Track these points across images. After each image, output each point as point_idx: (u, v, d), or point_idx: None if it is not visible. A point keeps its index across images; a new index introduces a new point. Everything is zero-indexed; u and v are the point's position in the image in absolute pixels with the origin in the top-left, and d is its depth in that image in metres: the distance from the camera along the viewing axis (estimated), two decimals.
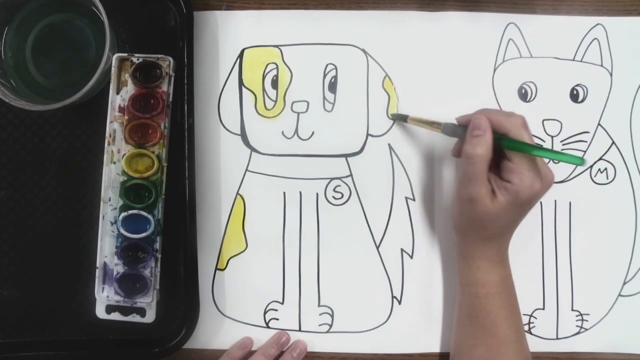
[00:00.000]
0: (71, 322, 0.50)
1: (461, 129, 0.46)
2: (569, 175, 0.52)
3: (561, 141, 0.52)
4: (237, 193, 0.52)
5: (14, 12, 0.47)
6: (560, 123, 0.52)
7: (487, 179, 0.44)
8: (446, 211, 0.52)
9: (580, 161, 0.40)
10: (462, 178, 0.44)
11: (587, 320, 0.52)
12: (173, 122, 0.49)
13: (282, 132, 0.52)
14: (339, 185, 0.52)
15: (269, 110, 0.52)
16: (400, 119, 0.51)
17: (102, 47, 0.44)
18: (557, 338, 0.52)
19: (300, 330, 0.51)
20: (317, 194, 0.52)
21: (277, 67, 0.52)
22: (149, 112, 0.47)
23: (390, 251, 0.51)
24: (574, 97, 0.53)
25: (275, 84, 0.52)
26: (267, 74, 0.52)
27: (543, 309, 0.52)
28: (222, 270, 0.51)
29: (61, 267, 0.50)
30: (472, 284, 0.47)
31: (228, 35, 0.52)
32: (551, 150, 0.48)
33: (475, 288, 0.46)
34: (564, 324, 0.52)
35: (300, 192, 0.52)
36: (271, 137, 0.52)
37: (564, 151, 0.51)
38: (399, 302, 0.51)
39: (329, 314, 0.51)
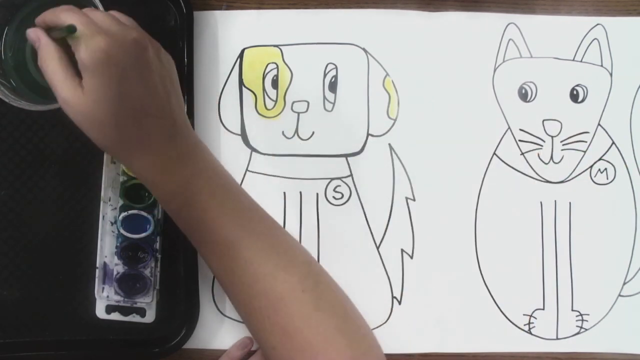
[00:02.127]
0: (71, 322, 0.50)
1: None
2: (569, 176, 0.52)
3: (561, 141, 0.52)
4: None
5: (14, 12, 0.47)
6: (560, 123, 0.52)
7: (75, 75, 0.38)
8: (446, 211, 0.52)
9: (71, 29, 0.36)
10: (48, 80, 0.39)
11: (587, 321, 0.52)
12: None
13: (283, 132, 0.52)
14: (339, 185, 0.52)
15: (269, 110, 0.52)
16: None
17: None
18: (557, 338, 0.52)
19: None
20: (317, 194, 0.52)
21: (277, 67, 0.52)
22: None
23: (390, 251, 0.51)
24: (574, 97, 0.53)
25: (275, 83, 0.52)
26: (267, 73, 0.52)
27: (543, 309, 0.52)
28: None
29: (61, 267, 0.50)
30: (164, 201, 0.41)
31: (228, 35, 0.52)
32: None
33: (168, 206, 0.41)
34: (564, 324, 0.52)
35: (300, 192, 0.52)
36: (271, 137, 0.52)
37: None
38: (399, 302, 0.51)
39: None
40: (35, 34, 0.39)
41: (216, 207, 0.41)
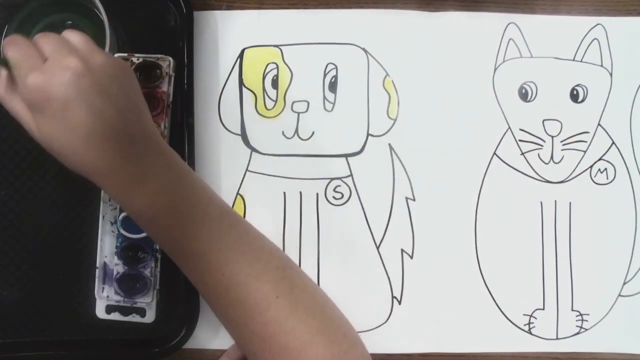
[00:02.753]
0: (71, 322, 0.50)
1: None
2: (569, 176, 0.52)
3: (561, 141, 0.52)
4: (237, 193, 0.52)
5: (14, 12, 0.47)
6: (561, 123, 0.52)
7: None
8: (446, 211, 0.52)
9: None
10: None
11: (587, 321, 0.52)
12: (173, 122, 0.48)
13: (283, 132, 0.52)
14: (339, 185, 0.52)
15: (269, 110, 0.52)
16: None
17: (102, 47, 0.44)
18: (557, 338, 0.52)
19: None
20: (317, 194, 0.52)
21: (277, 67, 0.52)
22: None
23: (390, 251, 0.51)
24: (574, 97, 0.53)
25: (275, 83, 0.52)
26: (267, 73, 0.52)
27: (543, 309, 0.52)
28: None
29: (61, 267, 0.50)
30: (134, 218, 0.41)
31: (228, 35, 0.52)
32: None
33: (139, 222, 0.41)
34: (564, 324, 0.52)
35: (300, 192, 0.52)
36: (271, 137, 0.52)
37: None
38: (399, 302, 0.51)
39: None
40: None
41: (180, 222, 0.40)
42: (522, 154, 0.52)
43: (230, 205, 0.51)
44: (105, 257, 0.48)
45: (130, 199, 0.39)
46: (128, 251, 0.47)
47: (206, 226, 0.41)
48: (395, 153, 0.52)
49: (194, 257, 0.41)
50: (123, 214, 0.47)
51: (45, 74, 0.37)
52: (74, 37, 0.40)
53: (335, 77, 0.52)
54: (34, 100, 0.37)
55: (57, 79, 0.37)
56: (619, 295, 0.52)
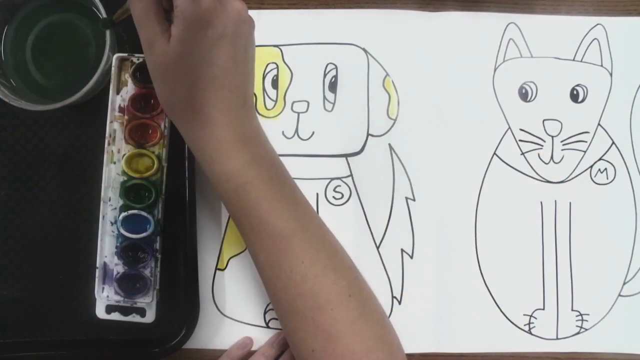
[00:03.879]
0: (71, 322, 0.50)
1: None
2: (569, 176, 0.52)
3: (561, 141, 0.52)
4: None
5: (14, 12, 0.47)
6: (561, 123, 0.52)
7: (164, 21, 0.37)
8: (446, 211, 0.52)
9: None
10: (135, 23, 0.38)
11: (587, 321, 0.52)
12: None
13: (282, 132, 0.52)
14: (339, 185, 0.52)
15: (269, 110, 0.52)
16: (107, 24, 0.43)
17: (102, 47, 0.44)
18: (557, 338, 0.52)
19: None
20: (317, 194, 0.52)
21: (277, 67, 0.52)
22: (149, 112, 0.47)
23: (390, 251, 0.51)
24: (574, 97, 0.53)
25: (275, 83, 0.52)
26: (267, 73, 0.52)
27: (543, 309, 0.52)
28: (222, 270, 0.51)
29: (61, 267, 0.50)
30: (219, 179, 0.39)
31: None
32: None
33: (224, 185, 0.39)
34: (564, 324, 0.52)
35: None
36: (271, 137, 0.51)
37: None
38: (399, 302, 0.51)
39: None
40: None
41: (272, 197, 0.39)
42: (522, 153, 0.52)
43: None
44: (105, 257, 0.48)
45: (227, 157, 0.38)
46: (128, 251, 0.47)
47: (295, 208, 0.40)
48: (395, 153, 0.52)
49: (275, 237, 0.39)
50: (123, 214, 0.47)
51: (222, 3, 0.36)
52: None
53: (335, 77, 0.52)
54: (194, 15, 0.35)
55: (225, 12, 0.37)
56: (619, 295, 0.52)
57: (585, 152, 0.52)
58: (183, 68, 0.37)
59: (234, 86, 0.38)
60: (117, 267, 0.47)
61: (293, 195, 0.41)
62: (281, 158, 0.51)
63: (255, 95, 0.52)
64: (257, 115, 0.52)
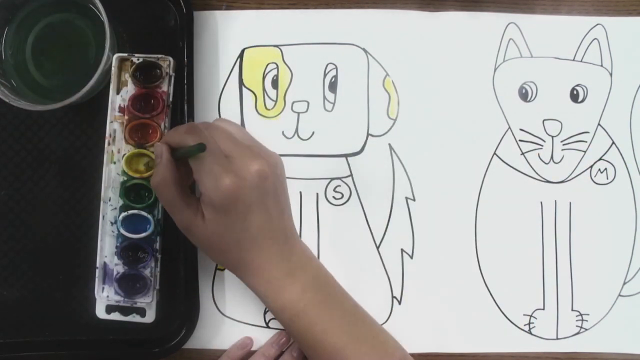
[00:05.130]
0: (71, 322, 0.50)
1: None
2: (569, 176, 0.52)
3: (561, 141, 0.52)
4: None
5: (14, 12, 0.47)
6: (561, 123, 0.52)
7: (192, 201, 0.42)
8: (446, 211, 0.52)
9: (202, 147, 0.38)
10: (166, 207, 0.43)
11: (587, 320, 0.52)
12: (173, 122, 0.48)
13: (282, 132, 0.52)
14: (339, 185, 0.52)
15: (269, 110, 0.52)
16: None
17: (102, 47, 0.44)
18: (557, 338, 0.52)
19: None
20: (317, 194, 0.52)
21: (277, 67, 0.52)
22: (149, 112, 0.47)
23: (390, 251, 0.51)
24: (574, 97, 0.53)
25: (275, 83, 0.52)
26: (267, 73, 0.52)
27: (543, 309, 0.52)
28: (222, 270, 0.51)
29: (61, 267, 0.50)
30: (275, 312, 0.44)
31: (228, 35, 0.52)
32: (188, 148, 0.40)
33: (280, 316, 0.44)
34: (564, 324, 0.52)
35: (300, 192, 0.51)
36: (271, 137, 0.52)
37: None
38: (399, 302, 0.51)
39: None
40: (159, 149, 0.41)
41: (324, 318, 0.43)
42: (522, 153, 0.52)
43: None
44: (105, 257, 0.48)
45: (279, 294, 0.42)
46: (128, 251, 0.47)
47: (345, 321, 0.43)
48: (395, 153, 0.52)
49: (332, 352, 0.43)
50: (123, 214, 0.47)
51: (238, 176, 0.39)
52: (234, 128, 0.44)
53: (335, 77, 0.52)
54: (222, 202, 0.39)
55: (248, 184, 0.40)
56: (619, 295, 0.52)
57: (585, 152, 0.52)
58: (224, 239, 0.40)
59: (272, 234, 0.42)
60: (117, 267, 0.47)
61: (342, 308, 0.44)
62: (281, 158, 0.51)
63: (255, 95, 0.52)
64: (262, 117, 0.52)
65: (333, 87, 0.52)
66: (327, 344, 0.43)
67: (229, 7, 0.52)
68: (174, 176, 0.41)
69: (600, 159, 0.52)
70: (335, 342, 0.43)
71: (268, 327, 0.51)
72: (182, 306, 0.49)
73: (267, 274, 0.42)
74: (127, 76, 0.47)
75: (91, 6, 0.45)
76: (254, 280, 0.43)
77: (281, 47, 0.52)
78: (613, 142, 0.53)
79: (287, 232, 0.44)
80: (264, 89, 0.52)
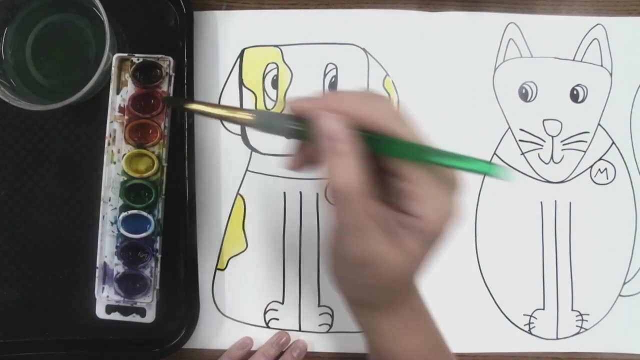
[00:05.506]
0: (71, 322, 0.50)
1: (293, 124, 0.30)
2: (569, 176, 0.52)
3: (561, 141, 0.52)
4: (237, 193, 0.52)
5: (14, 12, 0.47)
6: (561, 123, 0.52)
7: (389, 218, 0.29)
8: None
9: (487, 168, 0.28)
10: (340, 229, 0.29)
11: (587, 321, 0.52)
12: (173, 122, 0.48)
13: None
14: None
15: (269, 110, 0.52)
16: (174, 104, 0.37)
17: (102, 47, 0.44)
18: (557, 338, 0.52)
19: (300, 330, 0.51)
20: (317, 194, 0.52)
21: (277, 67, 0.52)
22: (149, 112, 0.47)
23: None
24: (574, 97, 0.53)
25: (275, 83, 0.52)
26: (267, 73, 0.52)
27: (543, 309, 0.52)
28: (222, 270, 0.51)
29: (61, 267, 0.50)
30: (388, 358, 0.35)
31: (228, 35, 0.52)
32: (455, 155, 0.29)
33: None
34: (564, 324, 0.52)
35: (300, 192, 0.52)
36: (271, 137, 0.52)
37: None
38: None
39: (329, 314, 0.51)
40: (341, 129, 0.27)
41: None
42: (522, 154, 0.52)
43: (230, 205, 0.51)
44: (105, 257, 0.48)
45: (404, 340, 0.35)
46: (128, 251, 0.47)
47: None
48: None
49: None
50: (123, 214, 0.47)
51: (458, 206, 0.30)
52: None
53: (335, 77, 0.52)
54: (444, 235, 0.30)
55: (453, 216, 0.30)
56: (619, 295, 0.52)
57: (585, 152, 0.52)
58: (402, 282, 0.32)
59: (412, 273, 0.33)
60: (117, 267, 0.47)
61: (452, 356, 0.38)
62: (281, 158, 0.51)
63: (255, 95, 0.52)
64: None
65: (333, 87, 0.52)
66: None
67: (229, 7, 0.52)
68: (368, 179, 0.28)
69: (600, 159, 0.52)
70: None
71: (268, 327, 0.51)
72: (182, 306, 0.49)
73: (396, 317, 0.34)
74: (127, 76, 0.47)
75: (91, 6, 0.45)
76: (379, 326, 0.34)
77: (281, 47, 0.52)
78: (613, 142, 0.53)
79: (415, 276, 0.35)
80: (264, 89, 0.52)
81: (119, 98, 0.47)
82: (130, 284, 0.47)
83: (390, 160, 0.28)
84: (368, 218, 0.28)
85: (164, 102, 0.39)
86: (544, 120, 0.52)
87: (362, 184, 0.27)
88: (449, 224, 0.29)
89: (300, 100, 0.28)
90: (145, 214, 0.47)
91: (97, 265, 0.47)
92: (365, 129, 0.27)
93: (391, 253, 0.28)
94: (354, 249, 0.29)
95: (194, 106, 0.33)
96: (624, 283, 0.52)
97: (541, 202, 0.52)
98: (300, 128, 0.29)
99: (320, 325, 0.51)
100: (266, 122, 0.31)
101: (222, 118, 0.33)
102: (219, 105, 0.32)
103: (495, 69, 0.52)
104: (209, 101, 0.52)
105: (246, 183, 0.52)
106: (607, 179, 0.52)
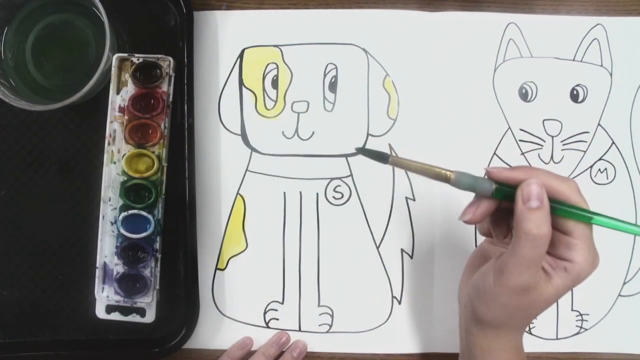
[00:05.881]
0: (71, 322, 0.50)
1: (490, 186, 0.38)
2: (569, 176, 0.52)
3: (561, 141, 0.52)
4: (237, 193, 0.52)
5: (14, 12, 0.47)
6: (561, 123, 0.52)
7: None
8: (446, 211, 0.52)
9: None
10: (518, 262, 0.36)
11: (587, 321, 0.52)
12: (173, 122, 0.48)
13: (283, 132, 0.52)
14: (339, 185, 0.52)
15: (269, 110, 0.52)
16: (376, 158, 0.40)
17: (102, 47, 0.44)
18: (557, 338, 0.52)
19: (300, 330, 0.51)
20: (317, 194, 0.52)
21: (277, 67, 0.52)
22: (149, 112, 0.47)
23: (390, 251, 0.51)
24: (574, 97, 0.53)
25: (275, 83, 0.52)
26: (267, 73, 0.52)
27: None
28: (222, 270, 0.51)
29: (61, 267, 0.50)
30: None
31: (228, 35, 0.52)
32: (617, 220, 0.38)
33: None
34: (564, 324, 0.52)
35: (300, 192, 0.52)
36: (271, 137, 0.52)
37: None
38: (399, 302, 0.51)
39: (329, 314, 0.51)
40: (541, 191, 0.36)
41: None
42: (522, 154, 0.52)
43: (230, 205, 0.51)
44: (105, 257, 0.48)
45: (493, 356, 0.41)
46: (128, 251, 0.47)
47: None
48: (395, 153, 0.52)
49: None
50: (123, 214, 0.47)
51: (598, 258, 0.38)
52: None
53: (335, 77, 0.52)
54: (586, 274, 0.37)
55: (594, 267, 0.38)
56: (619, 295, 0.52)
57: (585, 152, 0.52)
58: (539, 310, 0.39)
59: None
60: (117, 267, 0.47)
61: None
62: (281, 158, 0.52)
63: (255, 95, 0.52)
64: (262, 117, 0.52)
65: (333, 87, 0.52)
66: None
67: (229, 7, 0.52)
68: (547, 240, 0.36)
69: (600, 159, 0.52)
70: None
71: (268, 327, 0.51)
72: (182, 306, 0.49)
73: (514, 341, 0.42)
74: (127, 76, 0.47)
75: (91, 6, 0.45)
76: (506, 345, 0.41)
77: (281, 47, 0.52)
78: (613, 142, 0.52)
79: None
80: (264, 89, 0.52)
81: (119, 98, 0.47)
82: (130, 284, 0.47)
83: (559, 219, 0.37)
84: (543, 257, 0.36)
85: (360, 153, 0.41)
86: (544, 120, 0.52)
87: (550, 233, 0.36)
88: (593, 269, 0.37)
89: (506, 170, 0.38)
90: (145, 214, 0.47)
91: (97, 265, 0.47)
92: (550, 197, 0.36)
93: (543, 283, 0.37)
94: (523, 278, 0.36)
95: (397, 160, 0.40)
96: (624, 283, 0.52)
97: None
98: (507, 189, 0.37)
99: (320, 325, 0.51)
100: (467, 182, 0.39)
101: (422, 173, 0.40)
102: (420, 163, 0.40)
103: (495, 69, 0.52)
104: (209, 103, 0.52)
105: (246, 183, 0.52)
106: (607, 179, 0.52)
